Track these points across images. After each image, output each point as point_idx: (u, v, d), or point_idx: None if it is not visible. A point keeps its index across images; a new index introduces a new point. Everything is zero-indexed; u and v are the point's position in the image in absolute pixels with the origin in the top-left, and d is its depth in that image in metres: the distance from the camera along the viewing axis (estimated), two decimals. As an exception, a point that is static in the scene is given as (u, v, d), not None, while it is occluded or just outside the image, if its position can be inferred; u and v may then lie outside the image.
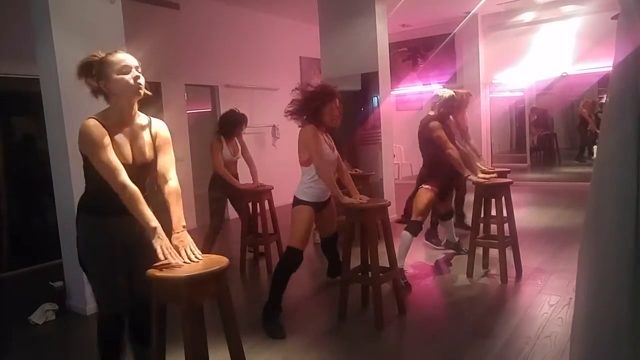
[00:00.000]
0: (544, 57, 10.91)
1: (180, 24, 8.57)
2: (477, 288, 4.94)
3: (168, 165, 2.82)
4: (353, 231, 4.34)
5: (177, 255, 2.59)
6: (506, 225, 5.16)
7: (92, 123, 2.55)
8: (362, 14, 7.97)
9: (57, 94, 4.57)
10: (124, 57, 2.62)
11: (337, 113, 4.25)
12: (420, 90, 12.51)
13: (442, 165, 5.08)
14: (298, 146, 4.26)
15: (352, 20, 8.07)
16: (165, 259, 2.53)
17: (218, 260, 2.61)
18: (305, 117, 4.27)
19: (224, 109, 9.10)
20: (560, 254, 5.79)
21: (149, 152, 2.74)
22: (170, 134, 2.91)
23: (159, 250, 2.55)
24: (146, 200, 2.68)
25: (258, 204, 5.98)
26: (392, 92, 8.93)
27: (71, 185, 4.57)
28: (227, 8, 9.43)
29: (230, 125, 6.01)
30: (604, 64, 9.31)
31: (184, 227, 2.76)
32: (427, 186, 5.08)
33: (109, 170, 2.54)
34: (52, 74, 4.58)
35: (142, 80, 2.63)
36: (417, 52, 12.72)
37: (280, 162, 9.49)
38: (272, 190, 6.05)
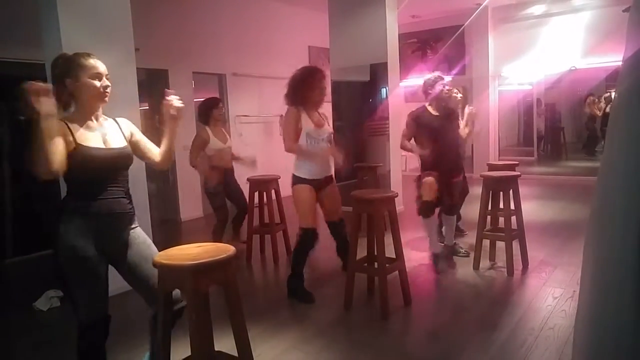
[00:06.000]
0: (553, 50, 10.84)
1: (188, 11, 8.56)
2: (483, 280, 4.94)
3: (152, 148, 2.99)
4: (360, 222, 4.34)
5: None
6: (513, 218, 5.16)
7: None
8: (373, 4, 7.94)
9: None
10: (97, 64, 2.68)
11: (321, 89, 4.60)
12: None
13: (433, 156, 5.09)
14: None
15: (362, 10, 8.04)
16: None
17: (224, 249, 2.63)
18: (290, 100, 4.67)
19: (231, 97, 9.11)
20: (565, 247, 5.79)
21: (121, 142, 2.78)
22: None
23: None
24: (126, 193, 2.81)
25: (265, 193, 5.98)
26: (400, 84, 8.90)
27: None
28: (236, -5, 9.42)
29: (203, 109, 6.01)
30: (613, 59, 9.24)
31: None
32: (425, 178, 5.15)
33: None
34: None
35: (109, 89, 2.72)
36: (426, 43, 12.66)
37: (287, 152, 9.48)
38: (279, 180, 6.05)
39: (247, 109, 9.56)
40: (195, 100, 8.81)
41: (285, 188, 6.24)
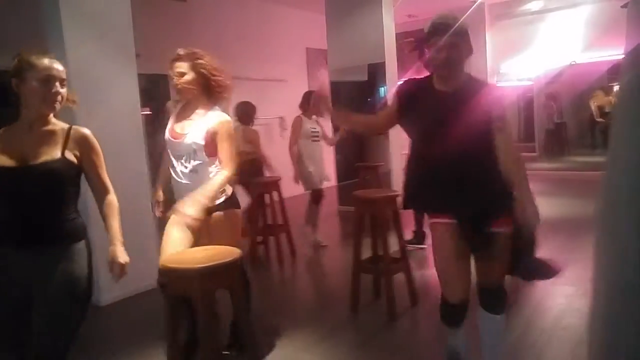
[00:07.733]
0: (552, 45, 10.82)
1: (186, 15, 8.56)
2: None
3: (103, 177, 2.46)
4: (362, 222, 4.32)
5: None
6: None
7: None
8: (369, 4, 7.96)
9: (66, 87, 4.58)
10: (50, 66, 2.24)
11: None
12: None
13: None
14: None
15: (359, 11, 8.05)
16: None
17: (230, 252, 2.63)
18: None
19: (231, 100, 9.12)
20: (572, 243, 5.74)
21: (52, 156, 2.26)
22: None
23: None
24: (63, 213, 2.33)
25: (267, 195, 5.97)
26: (398, 83, 8.89)
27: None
28: (233, -1, 9.43)
29: (251, 111, 6.56)
30: (614, 52, 9.22)
31: (122, 242, 2.43)
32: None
33: None
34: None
35: (60, 97, 2.27)
36: (423, 42, 12.66)
37: (287, 154, 9.49)
38: (280, 182, 6.07)
39: (247, 111, 9.56)
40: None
41: (287, 189, 6.26)
